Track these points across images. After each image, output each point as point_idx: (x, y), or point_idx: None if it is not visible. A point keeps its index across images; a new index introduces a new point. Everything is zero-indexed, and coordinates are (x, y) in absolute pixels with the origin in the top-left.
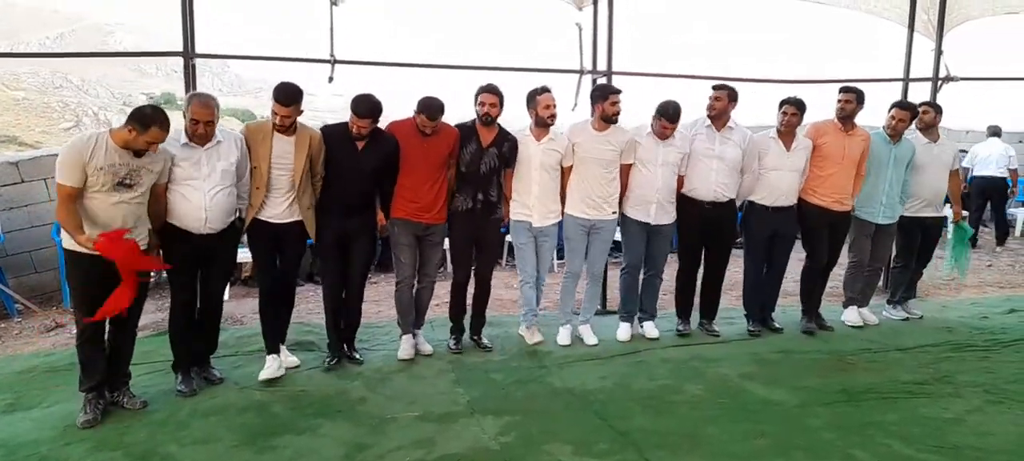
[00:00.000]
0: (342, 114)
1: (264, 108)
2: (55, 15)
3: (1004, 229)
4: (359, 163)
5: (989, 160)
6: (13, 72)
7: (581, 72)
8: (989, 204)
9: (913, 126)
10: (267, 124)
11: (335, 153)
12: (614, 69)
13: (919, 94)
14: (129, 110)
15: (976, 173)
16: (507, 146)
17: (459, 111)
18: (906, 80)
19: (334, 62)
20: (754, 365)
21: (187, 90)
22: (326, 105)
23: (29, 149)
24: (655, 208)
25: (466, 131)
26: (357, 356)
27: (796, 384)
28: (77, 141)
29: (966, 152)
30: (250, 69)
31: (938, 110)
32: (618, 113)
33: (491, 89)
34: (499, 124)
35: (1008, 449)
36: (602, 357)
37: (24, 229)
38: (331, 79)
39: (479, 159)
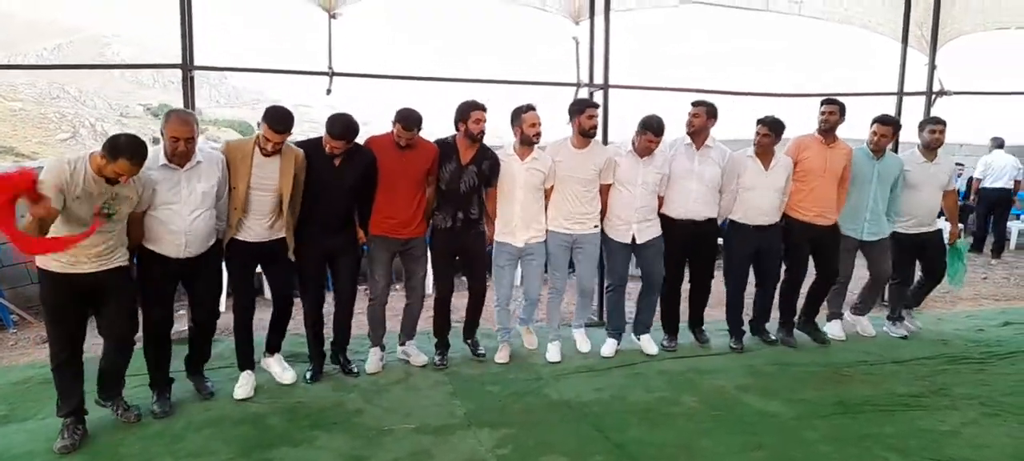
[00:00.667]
0: None
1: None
2: (53, 26)
3: (1001, 242)
4: (337, 179)
5: (1003, 171)
6: (10, 83)
7: (578, 85)
8: (991, 216)
9: (915, 146)
10: (248, 143)
11: (313, 170)
12: (611, 82)
13: (913, 108)
14: (126, 122)
15: (986, 185)
16: (487, 164)
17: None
18: (900, 94)
19: (332, 74)
20: (750, 377)
21: (186, 102)
22: (321, 116)
23: (26, 160)
24: (635, 227)
25: (446, 148)
26: (353, 368)
27: (792, 396)
28: (59, 164)
29: (962, 166)
30: (247, 80)
31: (944, 130)
32: (594, 127)
33: (483, 106)
34: (481, 142)
35: None
36: (598, 369)
37: None
38: (329, 91)
39: (459, 177)
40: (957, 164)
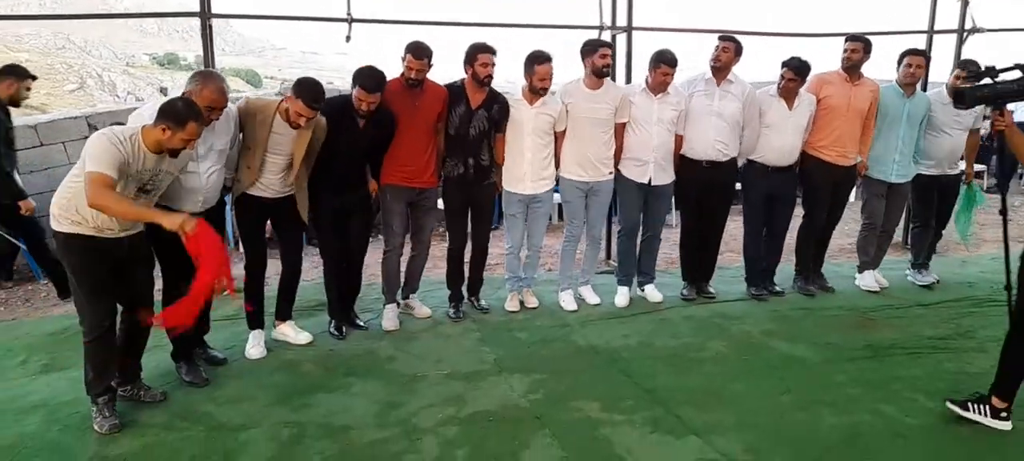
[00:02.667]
0: (346, 74)
1: (267, 67)
2: None
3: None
4: (358, 140)
5: None
6: (15, 34)
7: (601, 27)
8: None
9: (943, 86)
10: (270, 108)
11: (334, 132)
12: (635, 24)
13: (943, 46)
14: (133, 71)
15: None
16: (497, 108)
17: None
18: (930, 32)
19: (351, 21)
20: (776, 322)
21: (206, 52)
22: (330, 64)
23: (36, 111)
24: (652, 167)
25: (455, 92)
26: (360, 323)
27: (819, 341)
28: (116, 139)
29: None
30: (253, 27)
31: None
32: (608, 66)
33: (491, 49)
34: (490, 85)
35: None
36: (624, 315)
37: (44, 192)
38: (348, 38)
39: (468, 121)
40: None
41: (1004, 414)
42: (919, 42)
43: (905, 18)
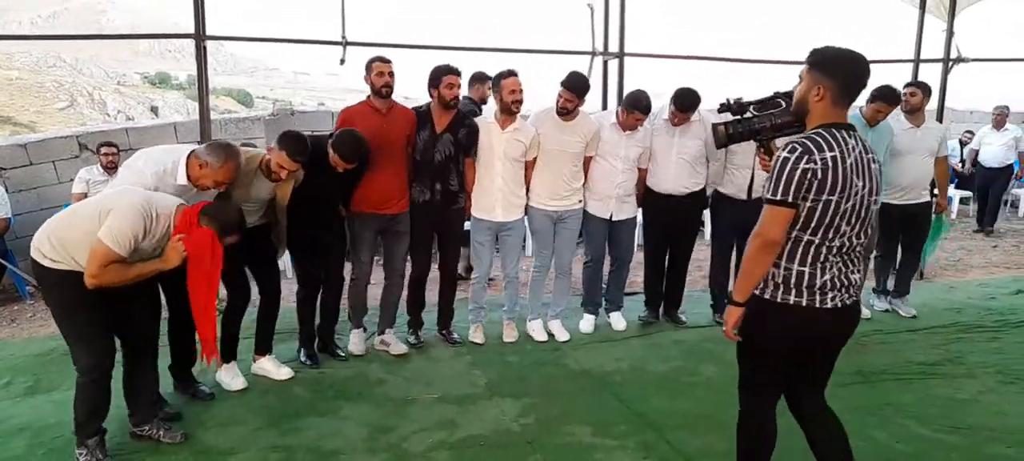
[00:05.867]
0: (336, 95)
1: (259, 88)
2: None
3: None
4: (336, 180)
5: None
6: (6, 52)
7: (593, 54)
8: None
9: (898, 108)
10: (253, 161)
11: (313, 175)
12: (626, 50)
13: (930, 75)
14: (124, 91)
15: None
16: (464, 132)
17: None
18: (917, 61)
19: (346, 44)
20: None
21: (200, 74)
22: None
23: (25, 130)
24: (614, 203)
25: (421, 115)
26: (340, 353)
27: None
28: (150, 215)
29: (973, 134)
30: (245, 48)
31: (927, 92)
32: (566, 111)
33: (456, 71)
34: (457, 109)
35: (1023, 429)
36: (615, 339)
37: (33, 211)
38: (343, 61)
39: (433, 146)
40: (967, 132)
41: None
42: (905, 71)
43: (892, 47)
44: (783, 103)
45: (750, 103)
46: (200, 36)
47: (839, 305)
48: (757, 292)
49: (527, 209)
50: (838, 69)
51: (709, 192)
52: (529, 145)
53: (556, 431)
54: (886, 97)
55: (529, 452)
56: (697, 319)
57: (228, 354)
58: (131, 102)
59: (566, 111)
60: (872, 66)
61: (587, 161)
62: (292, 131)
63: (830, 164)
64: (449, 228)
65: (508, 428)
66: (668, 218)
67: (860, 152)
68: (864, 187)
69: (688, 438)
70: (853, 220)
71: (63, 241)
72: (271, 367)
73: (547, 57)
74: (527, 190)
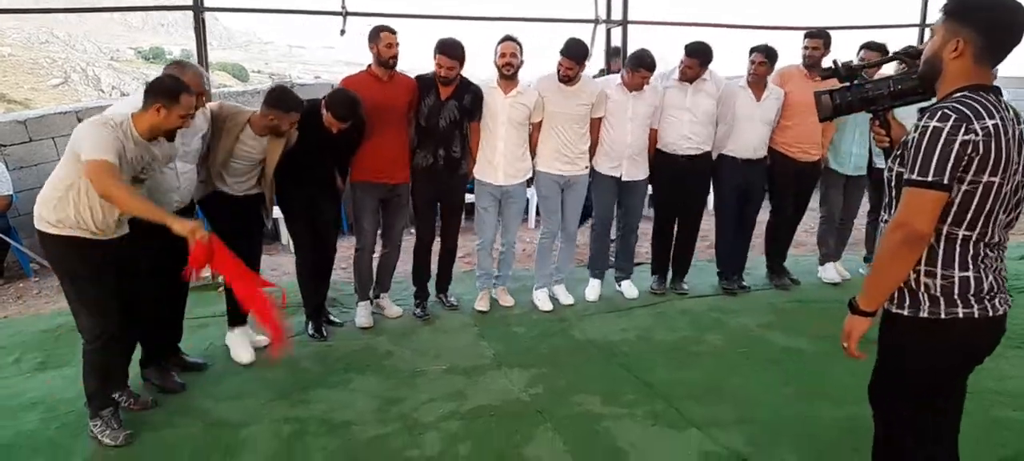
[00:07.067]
0: (333, 68)
1: (254, 61)
2: None
3: None
4: (330, 144)
5: None
6: None
7: (596, 22)
8: None
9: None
10: (240, 115)
11: (306, 136)
12: (630, 18)
13: None
14: (118, 66)
15: None
16: (468, 98)
17: (476, 64)
18: (922, 26)
19: (346, 14)
20: (772, 315)
21: (199, 46)
22: (317, 58)
23: (20, 107)
24: (626, 163)
25: (425, 83)
26: (334, 319)
27: (816, 332)
28: (108, 125)
29: None
30: (239, 21)
31: (917, 56)
32: (568, 78)
33: (447, 51)
34: (461, 75)
35: None
36: (621, 310)
37: (34, 188)
38: (343, 32)
39: (438, 112)
40: None
41: None
42: (911, 35)
43: (897, 12)
44: (898, 65)
45: (861, 66)
46: (198, 7)
47: (1003, 312)
48: (903, 312)
49: (534, 174)
50: (981, 16)
51: (714, 156)
52: (533, 108)
53: (565, 401)
54: (869, 47)
55: (539, 421)
56: (702, 289)
57: (234, 318)
58: (125, 78)
59: (568, 79)
60: (876, 30)
61: (595, 123)
62: (278, 86)
63: (992, 135)
64: (451, 196)
65: (517, 398)
66: (677, 183)
67: (1013, 121)
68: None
69: (696, 406)
70: (1008, 207)
71: (57, 197)
72: (242, 340)
73: (551, 25)
74: (532, 156)
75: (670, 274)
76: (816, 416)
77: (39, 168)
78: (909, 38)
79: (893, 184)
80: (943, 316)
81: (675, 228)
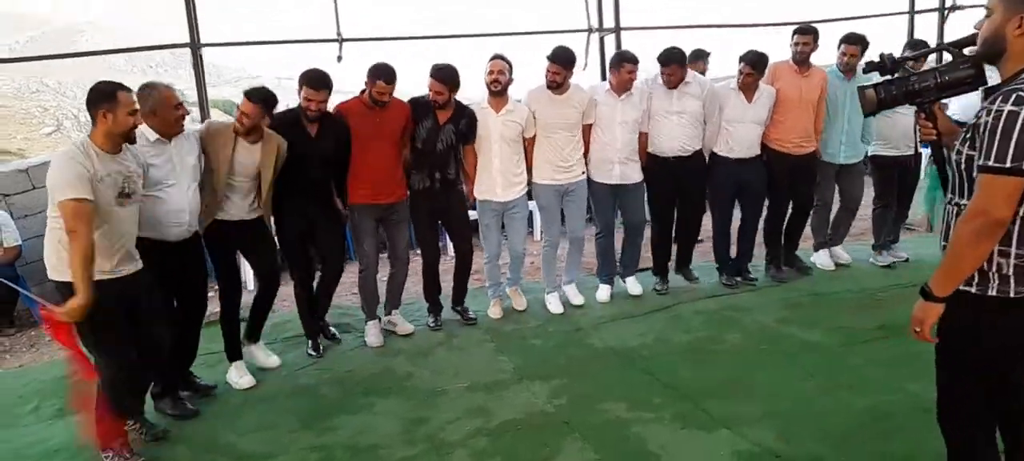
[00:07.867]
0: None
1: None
2: (23, 19)
3: None
4: (314, 149)
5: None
6: None
7: (589, 31)
8: None
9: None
10: (229, 128)
11: (290, 144)
12: (622, 25)
13: (925, 26)
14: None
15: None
16: (464, 122)
17: (470, 82)
18: (912, 13)
19: (341, 40)
20: (787, 310)
21: (198, 83)
22: None
23: (15, 158)
24: (618, 168)
25: (421, 106)
26: (335, 333)
27: (832, 324)
28: (68, 155)
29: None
30: (228, 57)
31: (964, 47)
32: (554, 83)
33: (438, 76)
34: (456, 99)
35: None
36: (636, 314)
37: (40, 235)
38: (340, 58)
39: (436, 136)
40: None
41: None
42: (901, 23)
43: (883, 1)
44: (939, 57)
45: (905, 59)
46: (195, 44)
47: None
48: (971, 289)
49: (532, 186)
50: None
51: (706, 156)
52: (525, 125)
53: (591, 409)
54: (851, 40)
55: (567, 431)
56: (713, 289)
57: (234, 352)
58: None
59: (556, 84)
60: (865, 21)
61: (586, 130)
62: (259, 87)
63: None
64: (452, 212)
65: (542, 410)
66: (672, 182)
67: None
68: None
69: (722, 405)
70: None
71: (58, 243)
72: (260, 355)
73: (544, 37)
74: (528, 169)
75: (672, 270)
76: (841, 407)
77: (43, 216)
78: (898, 27)
79: (963, 167)
80: (1012, 295)
81: (674, 228)
